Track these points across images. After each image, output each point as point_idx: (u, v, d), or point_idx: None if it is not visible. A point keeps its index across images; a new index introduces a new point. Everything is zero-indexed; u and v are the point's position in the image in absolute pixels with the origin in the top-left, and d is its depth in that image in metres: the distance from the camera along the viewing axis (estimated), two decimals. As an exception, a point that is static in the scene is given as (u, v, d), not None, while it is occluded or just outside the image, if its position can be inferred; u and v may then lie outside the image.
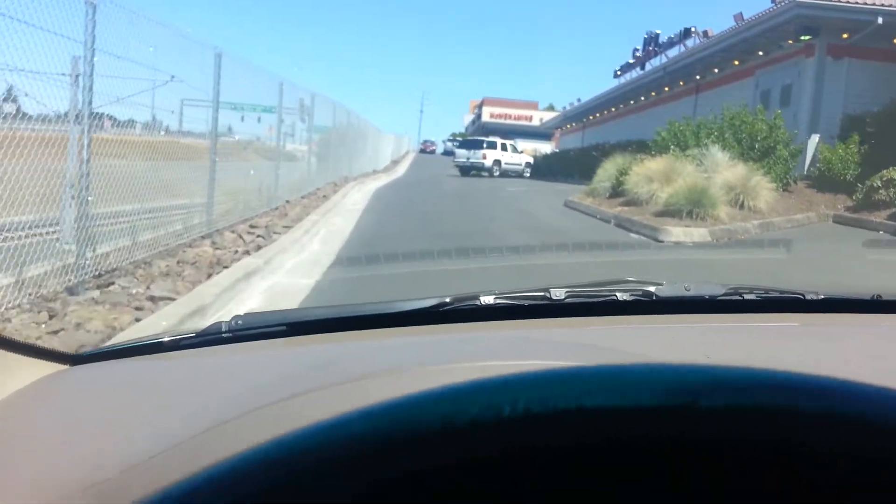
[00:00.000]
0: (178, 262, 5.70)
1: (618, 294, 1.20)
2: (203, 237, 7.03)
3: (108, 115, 6.44)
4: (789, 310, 1.25)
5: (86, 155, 4.54)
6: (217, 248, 6.41)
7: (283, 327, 1.08)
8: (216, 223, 7.60)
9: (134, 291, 4.64)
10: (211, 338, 1.08)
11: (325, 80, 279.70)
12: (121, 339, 3.13)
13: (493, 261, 5.55)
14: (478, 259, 5.94)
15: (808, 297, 1.23)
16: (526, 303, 1.16)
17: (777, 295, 1.25)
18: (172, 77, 7.57)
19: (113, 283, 5.02)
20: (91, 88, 4.56)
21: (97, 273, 5.32)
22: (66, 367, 1.00)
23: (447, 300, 1.12)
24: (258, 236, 7.11)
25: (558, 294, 1.16)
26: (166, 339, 1.10)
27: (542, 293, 1.16)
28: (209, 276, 5.20)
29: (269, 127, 11.46)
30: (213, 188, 7.18)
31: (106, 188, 5.36)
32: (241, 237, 7.03)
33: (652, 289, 1.21)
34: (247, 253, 6.19)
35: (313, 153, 14.37)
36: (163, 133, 8.50)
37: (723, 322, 1.23)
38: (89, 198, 4.68)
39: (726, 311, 1.25)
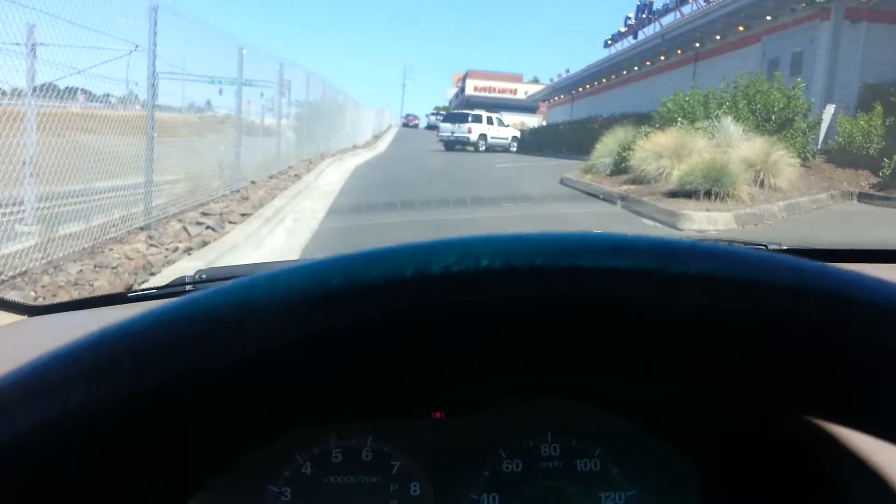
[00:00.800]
0: (95, 267, 4.48)
1: None
2: (142, 228, 5.80)
3: (81, 89, 5.96)
4: None
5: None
6: (152, 245, 5.18)
7: None
8: (163, 210, 6.37)
9: (16, 314, 3.44)
10: (173, 290, 1.12)
11: (304, 51, 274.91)
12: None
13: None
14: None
15: (771, 247, 1.26)
16: None
17: (740, 246, 1.09)
18: (137, 46, 6.59)
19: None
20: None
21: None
22: (24, 317, 1.01)
23: None
24: (207, 227, 5.88)
25: None
26: (128, 294, 1.14)
27: None
28: (129, 287, 4.00)
29: (247, 101, 10.72)
30: (150, 170, 5.92)
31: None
32: (185, 229, 5.80)
33: None
34: (188, 251, 4.98)
35: (286, 128, 13.10)
36: (139, 107, 7.46)
37: None
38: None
39: None
